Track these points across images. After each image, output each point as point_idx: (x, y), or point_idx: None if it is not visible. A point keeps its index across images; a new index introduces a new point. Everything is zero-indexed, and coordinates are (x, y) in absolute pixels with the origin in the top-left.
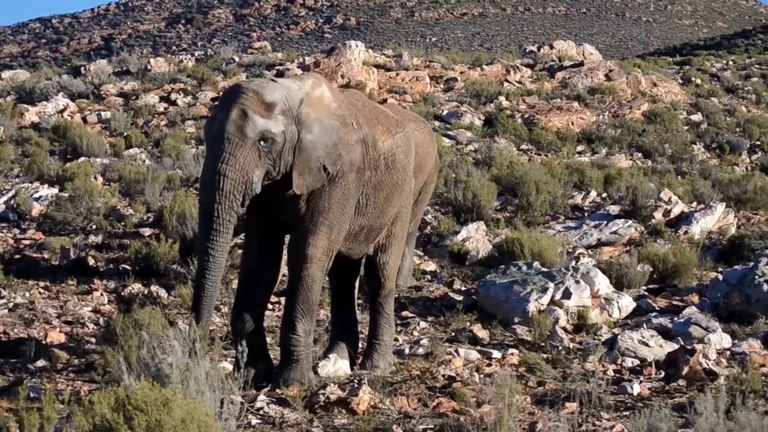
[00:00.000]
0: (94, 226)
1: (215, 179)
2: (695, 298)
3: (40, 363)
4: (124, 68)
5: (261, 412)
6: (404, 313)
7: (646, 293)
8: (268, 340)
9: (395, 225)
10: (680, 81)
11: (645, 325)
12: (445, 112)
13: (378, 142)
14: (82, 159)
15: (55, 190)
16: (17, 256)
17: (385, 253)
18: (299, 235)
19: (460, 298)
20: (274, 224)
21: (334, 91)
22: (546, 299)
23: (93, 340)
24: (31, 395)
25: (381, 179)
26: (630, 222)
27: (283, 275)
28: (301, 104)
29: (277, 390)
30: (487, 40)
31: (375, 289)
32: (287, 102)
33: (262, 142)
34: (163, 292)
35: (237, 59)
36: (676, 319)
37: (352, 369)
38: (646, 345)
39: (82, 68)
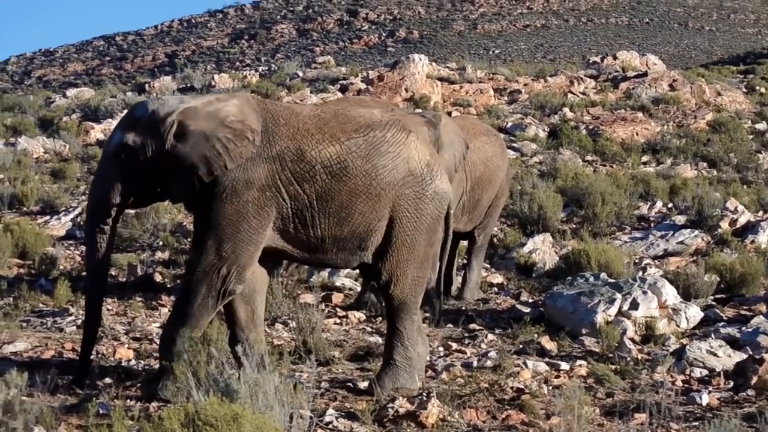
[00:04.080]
0: (160, 243)
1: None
2: (763, 308)
3: (109, 379)
4: (189, 84)
5: (330, 426)
6: (472, 326)
7: (713, 303)
8: (336, 354)
9: (393, 231)
10: (744, 90)
11: (713, 335)
12: (510, 124)
13: (306, 153)
14: None
15: None
16: (84, 274)
17: (386, 261)
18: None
19: (528, 310)
20: None
21: (245, 106)
22: (613, 310)
23: None
24: (101, 412)
25: (327, 188)
26: (696, 232)
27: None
28: (171, 116)
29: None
30: (551, 52)
31: (385, 302)
32: (155, 115)
33: (123, 155)
34: None
35: (301, 74)
36: (744, 328)
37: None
38: (715, 355)
39: (147, 85)
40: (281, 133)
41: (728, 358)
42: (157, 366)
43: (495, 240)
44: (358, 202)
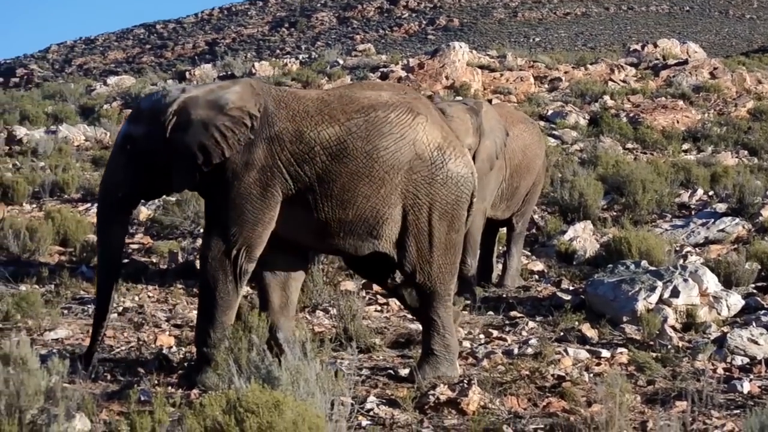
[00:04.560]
0: (201, 230)
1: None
2: None
3: (150, 367)
4: (229, 72)
5: (371, 413)
6: (512, 313)
7: (754, 291)
8: (377, 341)
9: (407, 219)
10: None
11: (754, 323)
12: (550, 111)
13: (305, 134)
14: None
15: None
16: (126, 261)
17: (406, 252)
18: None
19: (568, 297)
20: None
21: (246, 92)
22: (654, 298)
23: None
24: (142, 398)
25: (327, 170)
26: (737, 220)
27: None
28: (172, 106)
29: (194, 389)
30: (591, 40)
31: (415, 293)
32: (157, 106)
33: (128, 146)
34: None
35: (341, 62)
36: None
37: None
38: (756, 343)
39: (187, 73)
40: (281, 115)
41: None
42: (195, 357)
43: (535, 228)
44: (360, 184)
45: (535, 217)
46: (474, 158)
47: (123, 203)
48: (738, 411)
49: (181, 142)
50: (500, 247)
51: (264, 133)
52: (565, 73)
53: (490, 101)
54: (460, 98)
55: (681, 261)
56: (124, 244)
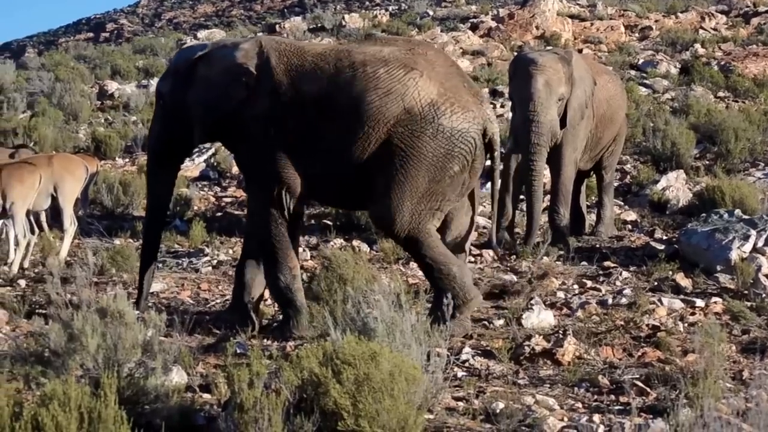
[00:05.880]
0: None
1: None
2: None
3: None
4: (319, 25)
5: (466, 364)
6: (606, 263)
7: None
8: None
9: (387, 171)
10: None
11: None
12: (641, 61)
13: (299, 89)
14: None
15: None
16: (219, 214)
17: (380, 205)
18: None
19: (662, 247)
20: None
21: (252, 50)
22: (748, 247)
23: None
24: (238, 351)
25: (318, 124)
26: None
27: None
28: (188, 63)
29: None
30: None
31: (402, 247)
32: (177, 62)
33: (160, 101)
34: (364, 247)
35: (431, 13)
36: None
37: None
38: None
39: (277, 26)
40: (279, 70)
41: None
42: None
43: (628, 177)
44: (348, 139)
45: (627, 166)
46: (566, 107)
47: (162, 155)
48: None
49: (191, 97)
50: (593, 198)
51: (264, 87)
52: (656, 21)
53: (580, 51)
54: (550, 48)
55: None
56: (170, 196)
